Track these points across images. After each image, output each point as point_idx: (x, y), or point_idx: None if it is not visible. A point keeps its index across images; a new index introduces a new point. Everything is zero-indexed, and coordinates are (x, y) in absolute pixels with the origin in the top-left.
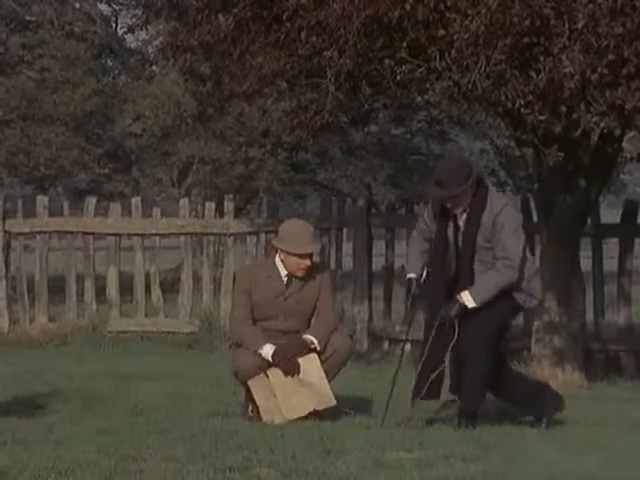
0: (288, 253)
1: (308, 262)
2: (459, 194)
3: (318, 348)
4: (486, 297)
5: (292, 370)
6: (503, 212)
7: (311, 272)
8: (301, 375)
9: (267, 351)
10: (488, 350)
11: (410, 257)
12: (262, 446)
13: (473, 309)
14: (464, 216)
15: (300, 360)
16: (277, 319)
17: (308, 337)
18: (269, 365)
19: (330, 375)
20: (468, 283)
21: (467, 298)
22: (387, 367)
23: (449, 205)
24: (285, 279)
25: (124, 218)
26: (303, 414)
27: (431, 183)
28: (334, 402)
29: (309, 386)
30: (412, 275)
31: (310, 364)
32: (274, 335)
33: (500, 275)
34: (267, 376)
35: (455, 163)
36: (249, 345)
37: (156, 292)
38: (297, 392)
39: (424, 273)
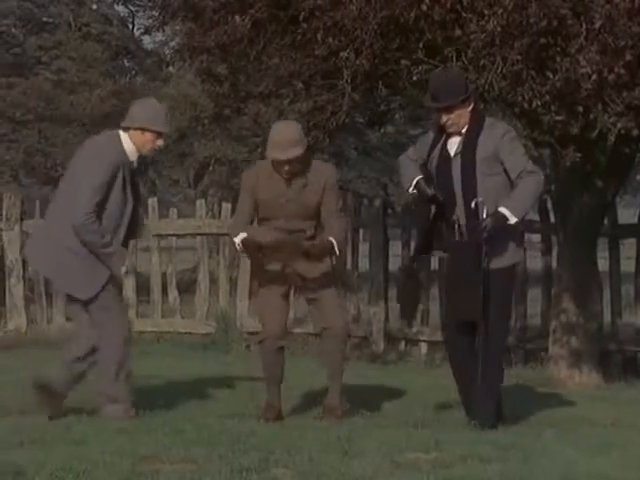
0: (274, 159)
1: (288, 167)
2: (454, 106)
3: (337, 252)
4: (526, 210)
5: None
6: (506, 136)
7: (314, 172)
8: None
9: (239, 238)
10: (502, 351)
11: (406, 169)
12: (279, 447)
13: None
14: (458, 139)
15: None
16: (279, 219)
17: (330, 239)
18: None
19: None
20: (472, 212)
21: (507, 213)
22: (403, 368)
23: (444, 120)
24: (285, 180)
25: None
26: None
27: (427, 97)
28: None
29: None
30: (418, 177)
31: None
32: (279, 233)
33: (533, 184)
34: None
35: (451, 75)
36: (230, 232)
37: (172, 293)
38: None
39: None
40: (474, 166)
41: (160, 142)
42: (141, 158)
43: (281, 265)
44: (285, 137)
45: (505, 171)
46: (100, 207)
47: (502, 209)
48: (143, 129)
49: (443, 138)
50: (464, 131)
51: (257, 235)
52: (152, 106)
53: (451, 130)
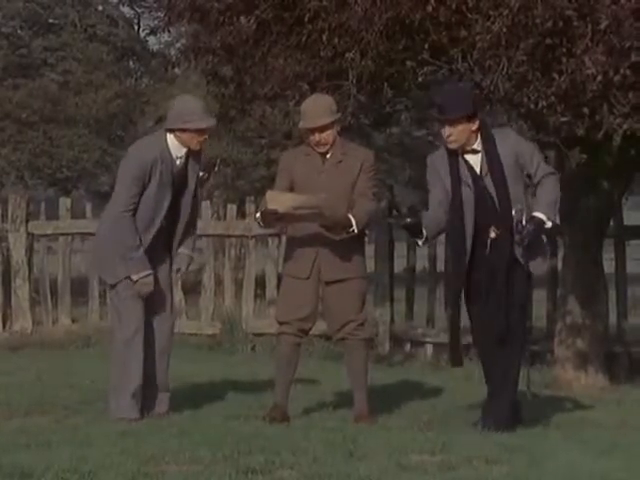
0: (305, 130)
1: (318, 137)
2: (459, 121)
3: (355, 230)
4: (556, 212)
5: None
6: (521, 142)
7: (351, 153)
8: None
9: (259, 213)
10: (521, 350)
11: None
12: (284, 448)
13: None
14: (477, 157)
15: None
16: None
17: (349, 215)
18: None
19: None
20: (509, 225)
21: (544, 217)
22: (409, 370)
23: (447, 134)
24: (321, 156)
25: None
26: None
27: (432, 110)
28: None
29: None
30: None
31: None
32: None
33: (557, 185)
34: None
35: (457, 87)
36: (263, 205)
37: (178, 294)
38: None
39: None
40: (505, 179)
41: (204, 136)
42: (190, 153)
43: (311, 254)
44: (314, 106)
45: (525, 176)
46: (136, 202)
47: (538, 214)
48: (182, 130)
49: (457, 162)
50: (479, 148)
51: (283, 199)
52: (186, 106)
53: (452, 146)
